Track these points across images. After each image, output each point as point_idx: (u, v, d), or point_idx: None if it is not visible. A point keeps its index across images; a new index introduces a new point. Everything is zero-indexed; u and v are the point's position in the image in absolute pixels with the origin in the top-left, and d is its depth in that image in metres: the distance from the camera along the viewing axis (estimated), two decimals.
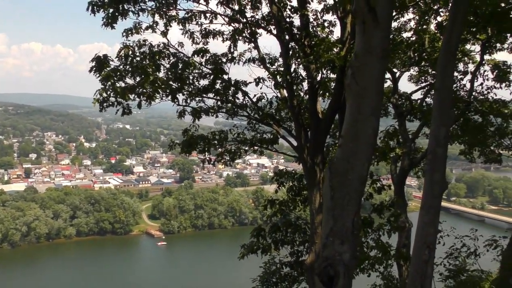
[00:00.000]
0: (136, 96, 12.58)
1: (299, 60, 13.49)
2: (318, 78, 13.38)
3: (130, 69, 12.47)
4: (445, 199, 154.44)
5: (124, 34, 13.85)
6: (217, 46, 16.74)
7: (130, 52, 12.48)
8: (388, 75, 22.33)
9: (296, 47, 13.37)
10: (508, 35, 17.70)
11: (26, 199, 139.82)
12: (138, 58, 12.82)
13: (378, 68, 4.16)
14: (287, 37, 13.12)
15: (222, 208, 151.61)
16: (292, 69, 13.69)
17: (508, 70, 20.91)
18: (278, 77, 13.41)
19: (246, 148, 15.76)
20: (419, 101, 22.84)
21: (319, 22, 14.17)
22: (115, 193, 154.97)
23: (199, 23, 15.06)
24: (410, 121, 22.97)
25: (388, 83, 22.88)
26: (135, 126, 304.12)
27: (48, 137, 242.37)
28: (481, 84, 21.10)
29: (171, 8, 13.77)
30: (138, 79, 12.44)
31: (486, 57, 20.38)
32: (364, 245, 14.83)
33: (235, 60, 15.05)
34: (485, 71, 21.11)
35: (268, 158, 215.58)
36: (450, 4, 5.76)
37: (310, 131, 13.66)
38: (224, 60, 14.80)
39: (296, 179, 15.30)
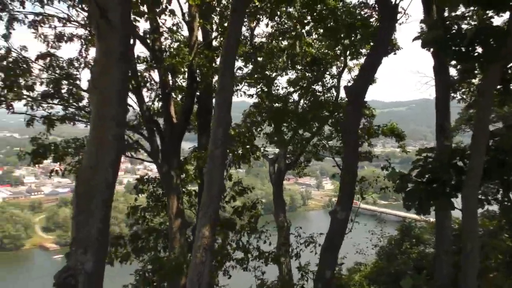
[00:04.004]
0: None
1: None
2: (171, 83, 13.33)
3: None
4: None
5: None
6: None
7: None
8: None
9: (147, 51, 13.20)
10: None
11: None
12: None
13: (118, 72, 4.14)
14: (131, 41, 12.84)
15: (122, 216, 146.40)
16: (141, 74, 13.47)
17: None
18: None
19: None
20: None
21: (170, 26, 14.04)
22: (3, 206, 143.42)
23: (52, 26, 14.34)
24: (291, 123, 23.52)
25: None
26: (24, 134, 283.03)
27: None
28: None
29: (6, 10, 12.84)
30: None
31: (355, 62, 21.80)
32: (227, 246, 15.00)
33: (89, 65, 14.48)
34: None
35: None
36: (230, 12, 5.96)
37: (165, 136, 13.55)
38: (76, 64, 14.23)
39: (157, 184, 15.10)
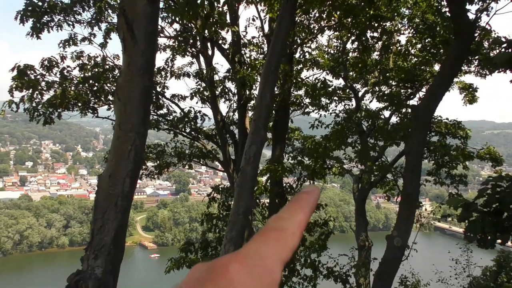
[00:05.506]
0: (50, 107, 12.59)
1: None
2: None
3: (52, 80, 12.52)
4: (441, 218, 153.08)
5: (60, 45, 13.90)
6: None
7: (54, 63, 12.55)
8: None
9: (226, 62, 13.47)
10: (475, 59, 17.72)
11: (20, 207, 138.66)
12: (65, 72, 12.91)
13: (140, 85, 4.21)
14: (209, 53, 13.17)
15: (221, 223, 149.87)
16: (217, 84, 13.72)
17: (475, 92, 21.22)
18: (205, 92, 13.45)
19: (184, 162, 15.67)
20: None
21: (250, 40, 14.16)
22: None
23: None
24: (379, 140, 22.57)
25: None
26: None
27: (45, 145, 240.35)
28: None
29: (102, 20, 13.73)
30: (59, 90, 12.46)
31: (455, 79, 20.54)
32: (296, 263, 14.75)
33: (175, 74, 15.04)
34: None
35: None
36: (275, 26, 5.84)
37: (238, 146, 13.70)
38: (163, 73, 14.87)
39: (229, 194, 15.27)
